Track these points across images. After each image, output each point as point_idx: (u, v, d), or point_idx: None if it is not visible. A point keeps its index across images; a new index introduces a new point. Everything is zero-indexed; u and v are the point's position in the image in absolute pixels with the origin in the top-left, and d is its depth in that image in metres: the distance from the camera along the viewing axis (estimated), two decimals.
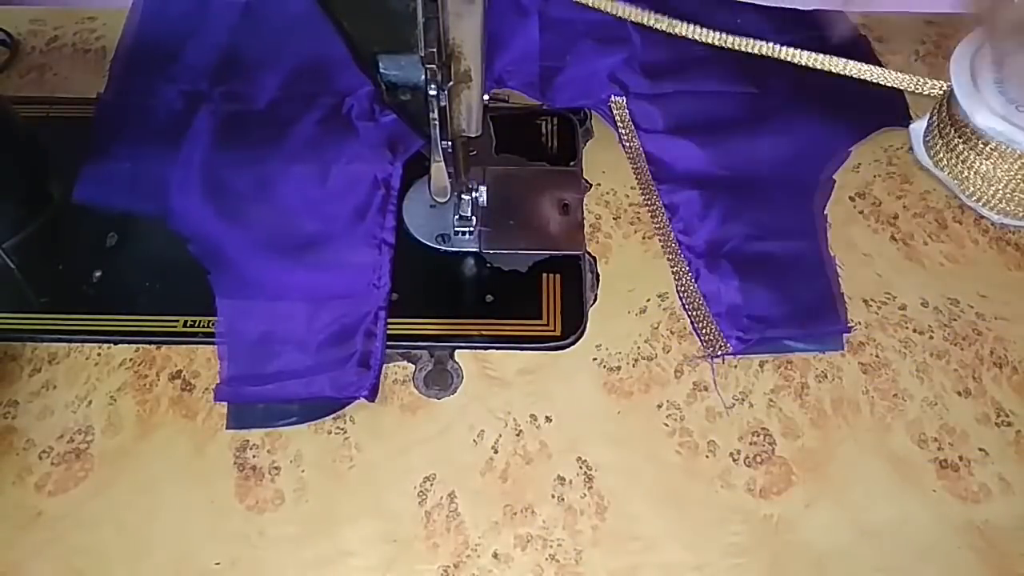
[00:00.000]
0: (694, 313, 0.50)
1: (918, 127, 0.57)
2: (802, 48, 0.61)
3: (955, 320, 0.50)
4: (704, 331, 0.49)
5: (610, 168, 0.58)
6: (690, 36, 0.62)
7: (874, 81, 0.60)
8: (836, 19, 0.65)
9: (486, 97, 0.46)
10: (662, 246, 0.53)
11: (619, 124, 0.59)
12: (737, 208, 0.54)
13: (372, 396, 0.46)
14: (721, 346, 0.49)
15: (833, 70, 0.60)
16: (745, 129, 0.58)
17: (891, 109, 0.60)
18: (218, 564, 0.42)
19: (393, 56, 0.42)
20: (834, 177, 0.56)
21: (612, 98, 0.60)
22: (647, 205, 0.55)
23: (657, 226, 0.54)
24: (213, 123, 0.58)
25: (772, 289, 0.50)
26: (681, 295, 0.51)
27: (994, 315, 0.50)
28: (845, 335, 0.49)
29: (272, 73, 0.60)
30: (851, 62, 0.60)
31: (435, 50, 0.41)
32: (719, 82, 0.61)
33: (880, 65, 0.61)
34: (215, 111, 0.58)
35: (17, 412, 0.47)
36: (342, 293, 0.50)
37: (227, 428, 0.46)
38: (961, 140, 0.53)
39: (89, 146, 0.57)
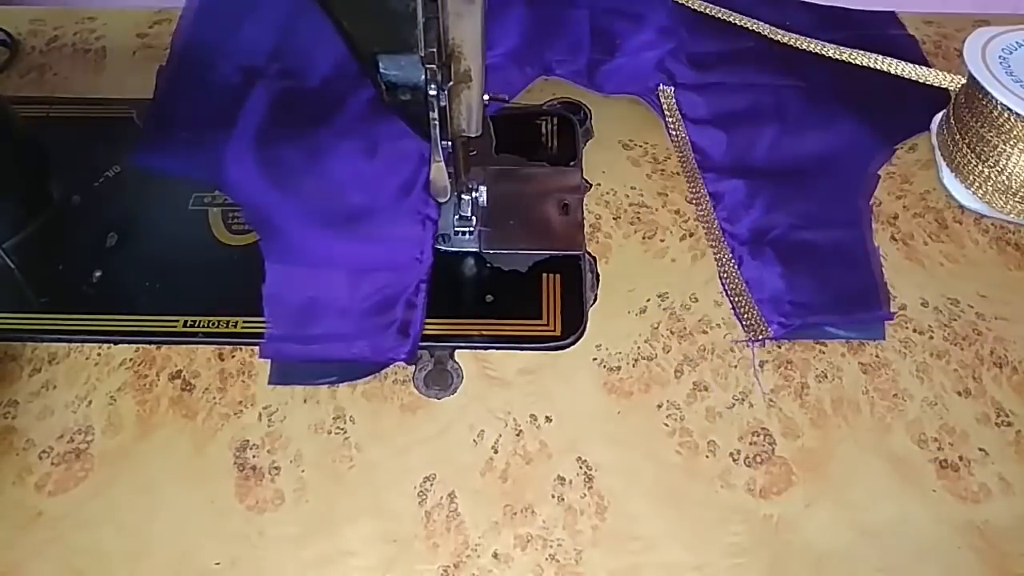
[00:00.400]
0: (736, 299, 0.51)
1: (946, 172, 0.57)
2: (847, 46, 0.63)
3: (955, 320, 0.50)
4: (746, 316, 0.50)
5: (610, 168, 0.58)
6: (739, 24, 0.65)
7: (908, 77, 0.62)
8: (884, 19, 0.67)
9: (486, 97, 0.46)
10: (706, 233, 0.54)
11: (666, 113, 0.61)
12: (781, 198, 0.55)
13: (409, 358, 0.48)
14: (763, 331, 0.49)
15: (869, 64, 0.63)
16: (791, 122, 0.60)
17: (937, 108, 0.60)
18: (218, 564, 0.42)
19: (393, 56, 0.42)
20: (879, 173, 0.57)
21: (660, 87, 0.62)
22: (692, 193, 0.56)
23: (701, 214, 0.55)
24: (268, 98, 0.60)
25: (815, 277, 0.51)
26: (724, 281, 0.52)
27: (994, 315, 0.50)
28: (887, 322, 0.49)
29: (326, 53, 0.63)
30: (885, 58, 0.62)
31: (435, 50, 0.41)
32: (765, 75, 0.63)
33: (928, 66, 0.63)
34: (270, 87, 0.61)
35: (17, 412, 0.47)
36: (386, 265, 0.51)
37: (269, 383, 0.47)
38: (987, 127, 0.53)
39: (150, 115, 0.60)
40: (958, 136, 0.55)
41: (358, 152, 0.57)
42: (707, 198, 0.56)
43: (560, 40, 0.65)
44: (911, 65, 0.62)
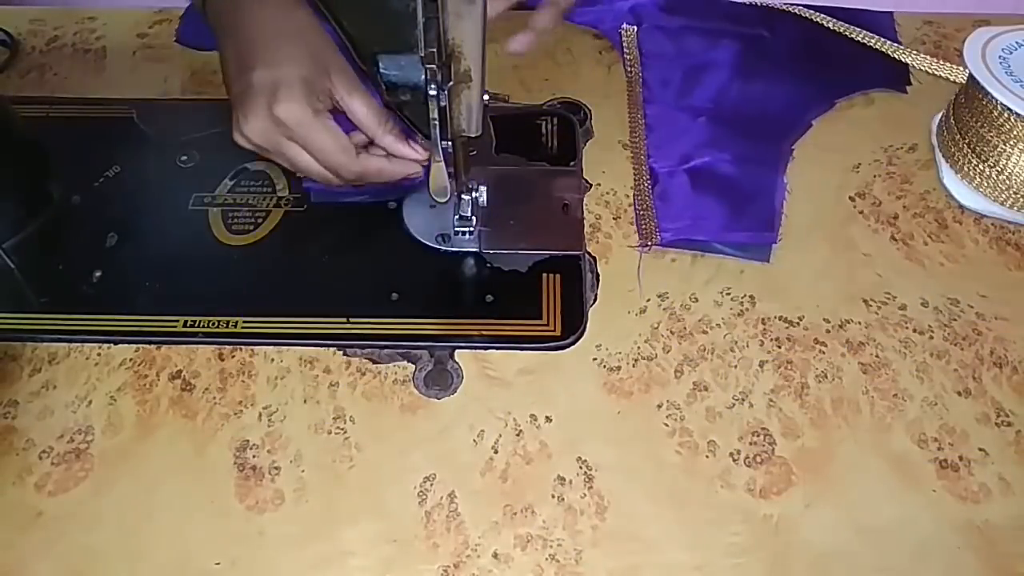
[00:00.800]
0: (642, 211, 0.55)
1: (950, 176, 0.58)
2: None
3: (955, 320, 0.50)
4: (643, 224, 0.54)
5: (610, 168, 0.58)
6: None
7: (895, 56, 0.65)
8: None
9: (486, 97, 0.46)
10: (632, 156, 0.58)
11: (625, 51, 0.66)
12: (714, 137, 0.59)
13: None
14: (654, 239, 0.53)
15: (855, 38, 0.66)
16: (744, 69, 0.64)
17: (891, 73, 0.64)
18: (218, 564, 0.42)
19: (393, 56, 0.42)
20: (812, 121, 0.60)
21: (624, 26, 0.67)
22: (630, 124, 0.60)
23: (634, 140, 0.59)
24: None
25: (719, 201, 0.55)
26: (635, 197, 0.56)
27: (994, 315, 0.50)
28: (773, 246, 0.53)
29: None
30: (874, 36, 0.66)
31: (435, 50, 0.41)
32: (733, 22, 0.67)
33: (897, 42, 0.66)
34: None
35: (17, 412, 0.47)
36: None
37: (311, 201, 0.54)
38: (987, 127, 0.53)
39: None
40: (958, 136, 0.55)
41: None
42: (642, 126, 0.60)
43: None
44: (881, 39, 0.65)
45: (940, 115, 0.59)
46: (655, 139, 0.59)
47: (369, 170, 0.50)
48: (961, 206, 0.55)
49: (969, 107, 0.54)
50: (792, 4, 0.69)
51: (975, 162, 0.54)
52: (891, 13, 0.68)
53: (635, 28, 0.67)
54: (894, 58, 0.64)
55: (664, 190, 0.56)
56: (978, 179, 0.54)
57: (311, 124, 0.46)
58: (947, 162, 0.56)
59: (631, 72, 0.64)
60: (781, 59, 0.65)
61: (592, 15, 0.68)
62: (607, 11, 0.68)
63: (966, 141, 0.54)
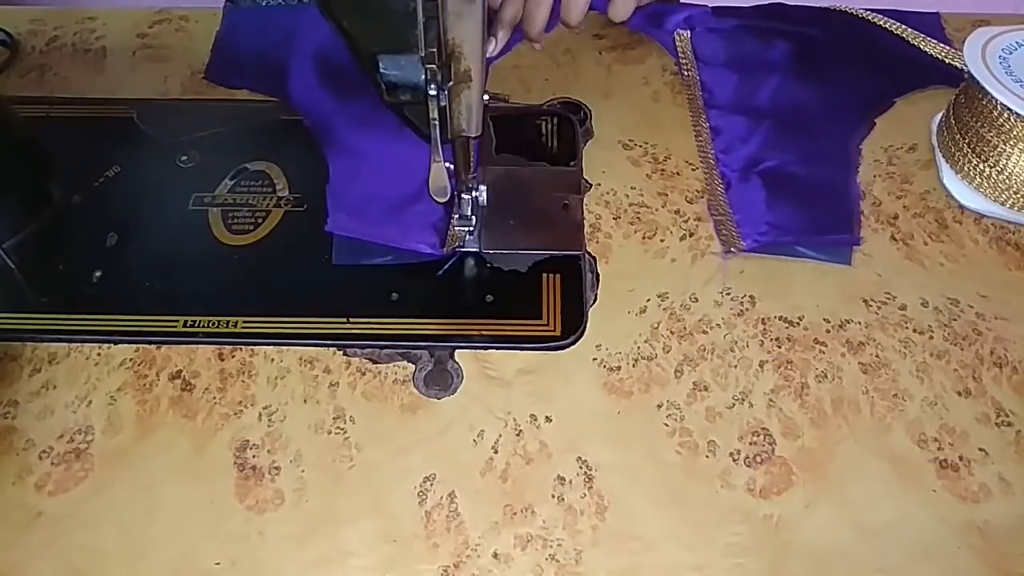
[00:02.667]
0: (718, 217, 0.55)
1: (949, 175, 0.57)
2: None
3: (955, 320, 0.50)
4: (723, 230, 0.54)
5: (610, 168, 0.58)
6: None
7: (943, 59, 0.64)
8: None
9: (486, 97, 0.46)
10: (701, 162, 0.58)
11: (680, 56, 0.65)
12: (778, 138, 0.59)
13: (437, 251, 0.53)
14: (737, 244, 0.53)
15: (907, 38, 0.66)
16: (800, 68, 0.63)
17: (943, 70, 0.63)
18: (218, 564, 0.42)
19: (393, 56, 0.42)
20: (875, 120, 0.60)
21: (677, 32, 0.67)
22: (695, 127, 0.60)
23: (700, 144, 0.59)
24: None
25: (795, 205, 0.55)
26: (710, 204, 0.56)
27: (994, 315, 0.50)
28: (854, 247, 0.53)
29: None
30: (924, 36, 0.66)
31: (435, 50, 0.41)
32: (784, 21, 0.67)
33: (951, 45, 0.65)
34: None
35: (17, 412, 0.47)
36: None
37: (335, 263, 0.52)
38: (987, 127, 0.53)
39: (218, 39, 0.66)
40: (958, 136, 0.55)
41: None
42: (707, 131, 0.60)
43: None
44: (932, 40, 0.65)
45: (940, 115, 0.59)
46: (721, 143, 0.59)
47: None
48: (961, 206, 0.55)
49: (969, 107, 0.54)
50: (838, 5, 0.69)
51: (975, 162, 0.54)
52: (938, 14, 0.68)
53: (688, 32, 0.67)
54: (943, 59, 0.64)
55: (738, 194, 0.56)
56: (978, 179, 0.54)
57: None
58: (947, 162, 0.56)
59: (688, 76, 0.64)
60: (836, 58, 0.64)
61: (639, 19, 0.67)
62: (653, 11, 0.68)
63: (966, 141, 0.54)
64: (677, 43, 0.66)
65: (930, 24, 0.67)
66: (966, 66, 0.53)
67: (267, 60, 0.64)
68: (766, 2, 0.69)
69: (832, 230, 0.54)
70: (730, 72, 0.64)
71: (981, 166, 0.54)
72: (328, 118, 0.59)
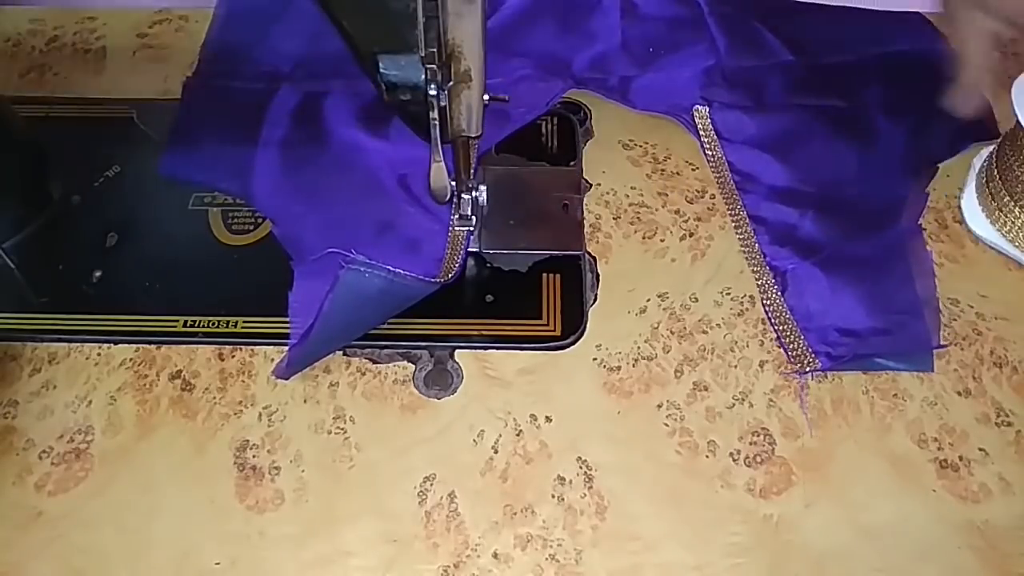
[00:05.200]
0: (781, 327, 0.49)
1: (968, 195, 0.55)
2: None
3: (955, 320, 0.50)
4: (792, 346, 0.48)
5: (610, 168, 0.58)
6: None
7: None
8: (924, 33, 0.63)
9: (486, 97, 0.46)
10: (746, 259, 0.52)
11: (701, 133, 0.59)
12: (826, 222, 0.53)
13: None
14: (810, 362, 0.47)
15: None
16: (833, 144, 0.57)
17: (980, 124, 0.57)
18: (218, 564, 0.42)
19: (393, 56, 0.42)
20: (927, 191, 0.55)
21: (695, 107, 0.60)
22: (732, 218, 0.54)
23: (742, 238, 0.53)
24: (294, 100, 0.59)
25: (861, 297, 0.49)
26: (767, 309, 0.50)
27: (994, 315, 0.50)
28: (936, 351, 0.48)
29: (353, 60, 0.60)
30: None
31: (435, 50, 0.41)
32: (805, 94, 0.60)
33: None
34: (296, 90, 0.60)
35: (17, 412, 0.47)
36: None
37: (277, 376, 0.47)
38: None
39: (176, 123, 0.59)
40: (995, 171, 0.53)
41: (383, 158, 0.56)
42: (747, 222, 0.54)
43: (587, 51, 0.62)
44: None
45: (988, 152, 0.55)
46: (767, 235, 0.53)
47: None
48: (970, 229, 0.54)
49: (1012, 146, 0.51)
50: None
51: (1006, 199, 0.51)
52: (919, 14, 0.64)
53: (707, 108, 0.60)
54: (976, 105, 0.55)
55: (797, 296, 0.50)
56: (1004, 218, 0.52)
57: None
58: (977, 190, 0.54)
59: (713, 156, 0.58)
60: (867, 128, 0.58)
61: (648, 95, 0.61)
62: (661, 82, 0.61)
63: (1001, 176, 0.52)
64: (696, 120, 0.59)
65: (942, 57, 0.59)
66: (1013, 110, 0.49)
67: (228, 151, 0.57)
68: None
69: (908, 333, 0.48)
70: (758, 151, 0.57)
71: (1012, 205, 0.51)
72: (297, 227, 0.53)
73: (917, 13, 0.65)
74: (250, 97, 0.60)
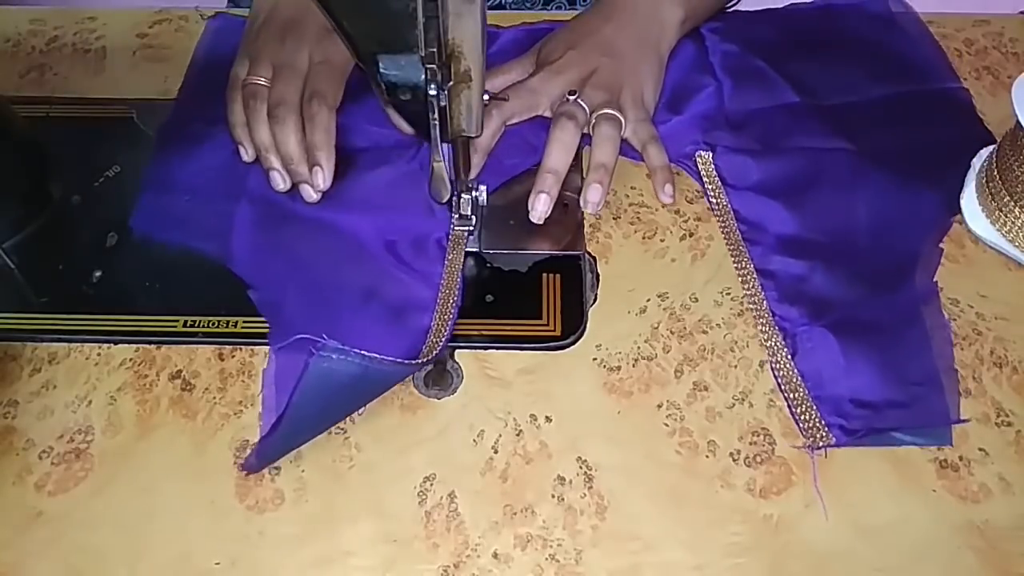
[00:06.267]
0: (792, 395, 0.46)
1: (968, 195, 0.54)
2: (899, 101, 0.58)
3: (955, 320, 0.50)
4: (803, 417, 0.46)
5: None
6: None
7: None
8: (940, 72, 0.61)
9: (486, 97, 0.46)
10: (754, 316, 0.50)
11: (705, 179, 0.56)
12: (837, 275, 0.50)
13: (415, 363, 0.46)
14: (823, 436, 0.45)
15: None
16: (842, 190, 0.55)
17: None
18: (218, 564, 0.42)
19: (393, 56, 0.42)
20: (941, 245, 0.52)
21: (698, 153, 0.58)
22: (737, 269, 0.52)
23: (749, 293, 0.51)
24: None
25: (876, 366, 0.46)
26: (776, 373, 0.47)
27: (994, 315, 0.50)
28: (955, 425, 0.45)
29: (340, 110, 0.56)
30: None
31: (435, 50, 0.41)
32: (812, 136, 0.57)
33: (979, 121, 0.58)
34: None
35: (17, 412, 0.47)
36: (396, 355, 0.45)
37: (246, 470, 0.44)
38: None
39: (150, 173, 0.56)
40: (995, 171, 0.52)
41: (367, 218, 0.53)
42: (755, 276, 0.51)
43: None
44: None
45: (987, 153, 0.55)
46: (775, 291, 0.50)
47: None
48: (971, 230, 0.53)
49: (1013, 147, 0.51)
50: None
51: (1006, 199, 0.51)
52: (968, 90, 0.60)
53: (710, 154, 0.57)
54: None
55: (808, 361, 0.47)
56: (1004, 218, 0.51)
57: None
58: (977, 189, 0.54)
59: (717, 204, 0.55)
60: (876, 174, 0.55)
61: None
62: (671, 134, 0.58)
63: (1001, 177, 0.51)
64: (699, 166, 0.57)
65: (960, 101, 0.59)
66: (1013, 110, 0.49)
67: (205, 206, 0.54)
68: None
69: (925, 404, 0.45)
70: (765, 199, 0.54)
71: (1013, 205, 0.51)
72: (276, 291, 0.50)
73: (932, 49, 0.63)
74: (229, 145, 0.56)
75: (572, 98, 0.55)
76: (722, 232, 0.54)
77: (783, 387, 0.47)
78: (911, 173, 0.55)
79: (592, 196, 0.53)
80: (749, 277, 0.51)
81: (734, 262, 0.52)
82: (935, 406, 0.46)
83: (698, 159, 0.57)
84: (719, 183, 0.56)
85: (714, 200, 0.55)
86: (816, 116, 0.58)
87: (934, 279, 0.51)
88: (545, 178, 0.53)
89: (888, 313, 0.49)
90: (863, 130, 0.57)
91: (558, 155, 0.53)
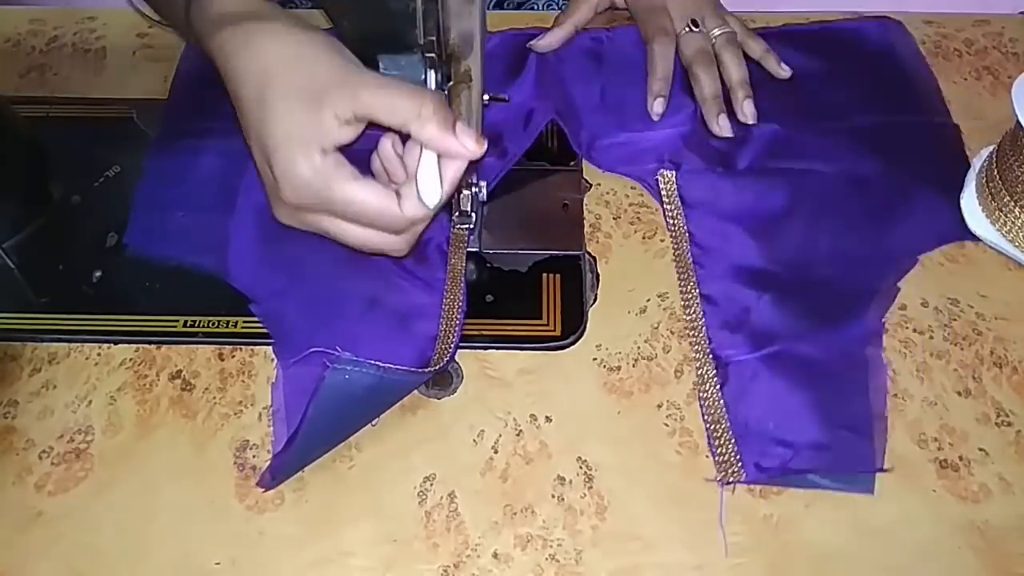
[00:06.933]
0: (713, 427, 0.45)
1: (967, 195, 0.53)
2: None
3: (955, 320, 0.50)
4: (720, 451, 0.44)
5: None
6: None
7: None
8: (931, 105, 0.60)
9: (486, 97, 0.46)
10: (691, 343, 0.49)
11: (665, 200, 0.55)
12: (785, 307, 0.49)
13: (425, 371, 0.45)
14: (735, 472, 0.44)
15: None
16: (809, 216, 0.53)
17: (958, 219, 0.53)
18: (218, 564, 0.42)
19: (393, 56, 0.42)
20: (899, 285, 0.51)
21: (660, 171, 0.56)
22: (682, 292, 0.51)
23: (689, 317, 0.49)
24: None
25: (805, 404, 0.45)
26: (702, 403, 0.46)
27: (994, 315, 0.50)
28: (878, 474, 0.44)
29: None
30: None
31: (435, 50, 0.41)
32: (788, 158, 0.56)
33: (963, 156, 0.56)
34: None
35: (17, 412, 0.47)
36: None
37: (262, 486, 0.44)
38: None
39: (141, 188, 0.55)
40: (995, 171, 0.52)
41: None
42: (698, 301, 0.50)
43: (568, 106, 0.59)
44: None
45: (989, 150, 0.54)
46: (715, 318, 0.49)
47: (416, 215, 0.41)
48: (971, 232, 0.53)
49: (1013, 147, 0.51)
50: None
51: (1007, 199, 0.51)
52: (958, 126, 0.59)
53: (673, 173, 0.56)
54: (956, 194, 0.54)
55: (736, 392, 0.46)
56: (1004, 218, 0.51)
57: (328, 187, 0.39)
58: (977, 189, 0.53)
59: (674, 225, 0.53)
60: (846, 204, 0.54)
61: (613, 155, 0.58)
62: (631, 145, 0.58)
63: (1002, 176, 0.51)
64: (661, 185, 0.56)
65: (947, 135, 0.57)
66: (1013, 109, 0.48)
67: (199, 219, 0.53)
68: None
69: (849, 450, 0.44)
70: (721, 221, 0.53)
71: (1013, 205, 0.50)
72: (278, 304, 0.49)
73: (927, 80, 0.61)
74: (222, 157, 0.55)
75: (696, 29, 0.60)
76: (674, 254, 0.53)
77: (706, 417, 0.46)
78: (884, 204, 0.54)
79: (748, 108, 0.58)
80: (692, 302, 0.50)
81: (680, 285, 0.51)
82: (859, 452, 0.44)
83: (660, 178, 0.56)
84: (679, 203, 0.55)
85: (671, 221, 0.54)
86: (797, 138, 0.57)
87: (883, 320, 0.49)
88: (657, 83, 0.58)
89: (829, 351, 0.47)
90: (843, 154, 0.56)
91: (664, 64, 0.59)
